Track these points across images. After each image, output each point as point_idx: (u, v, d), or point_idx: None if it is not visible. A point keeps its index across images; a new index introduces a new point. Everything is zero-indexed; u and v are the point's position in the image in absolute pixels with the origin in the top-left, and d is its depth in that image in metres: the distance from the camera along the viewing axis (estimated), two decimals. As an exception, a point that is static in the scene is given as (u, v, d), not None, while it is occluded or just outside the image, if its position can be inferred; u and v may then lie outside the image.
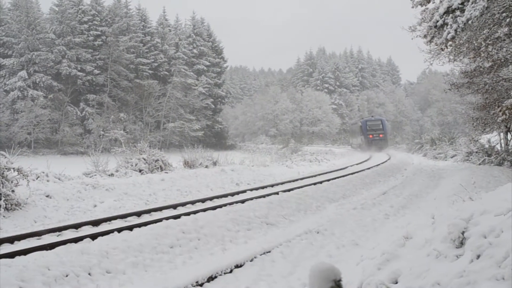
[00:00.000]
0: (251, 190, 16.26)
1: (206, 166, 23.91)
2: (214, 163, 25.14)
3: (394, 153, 44.56)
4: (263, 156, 38.84)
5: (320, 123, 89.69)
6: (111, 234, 8.99)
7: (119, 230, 9.34)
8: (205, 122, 62.81)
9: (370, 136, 54.29)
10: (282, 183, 18.44)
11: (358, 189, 17.81)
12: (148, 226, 9.50)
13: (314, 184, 17.26)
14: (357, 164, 29.26)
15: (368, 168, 24.75)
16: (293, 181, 19.36)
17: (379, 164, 27.81)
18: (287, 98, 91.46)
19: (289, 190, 15.34)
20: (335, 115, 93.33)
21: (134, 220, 10.87)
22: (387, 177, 22.49)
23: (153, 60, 59.94)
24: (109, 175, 19.31)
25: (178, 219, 10.13)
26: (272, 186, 17.62)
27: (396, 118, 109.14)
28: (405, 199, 15.11)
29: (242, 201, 13.07)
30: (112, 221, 10.71)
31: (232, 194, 15.19)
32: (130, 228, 9.55)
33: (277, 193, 14.72)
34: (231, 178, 20.75)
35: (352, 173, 21.85)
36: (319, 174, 22.43)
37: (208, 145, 48.64)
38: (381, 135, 54.71)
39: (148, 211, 11.87)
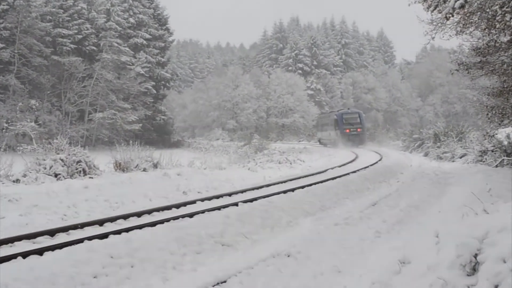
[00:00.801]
0: (203, 200, 16.12)
1: (144, 169, 23.75)
2: (155, 166, 24.99)
3: (387, 152, 45.08)
4: (218, 156, 38.74)
5: (292, 113, 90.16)
6: (13, 260, 8.71)
7: (25, 255, 9.06)
8: (143, 111, 62.14)
9: (347, 130, 58.92)
10: (243, 191, 18.34)
11: (341, 198, 17.85)
12: (65, 249, 9.27)
13: (285, 192, 17.23)
14: (339, 166, 29.41)
15: (354, 172, 24.89)
16: (258, 188, 19.29)
17: (367, 167, 28.01)
18: (251, 81, 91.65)
19: (251, 201, 15.28)
20: (311, 103, 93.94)
21: (45, 241, 10.57)
22: (379, 183, 22.66)
23: (76, 31, 58.87)
24: (13, 181, 18.94)
25: (105, 239, 9.96)
26: (229, 195, 17.52)
27: (390, 107, 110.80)
28: (402, 212, 15.19)
29: (191, 215, 12.93)
30: (15, 243, 10.37)
31: (178, 206, 15.01)
32: (40, 252, 9.28)
33: (236, 204, 14.62)
34: (177, 185, 20.56)
35: (333, 178, 21.90)
36: (291, 180, 22.41)
37: (147, 142, 47.98)
38: (359, 130, 59.34)
39: (65, 229, 11.58)
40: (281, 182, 21.34)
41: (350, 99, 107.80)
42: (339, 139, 58.03)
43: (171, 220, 12.26)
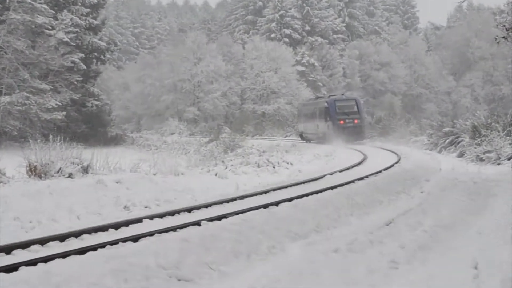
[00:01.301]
0: (152, 218, 16.13)
1: (70, 175, 23.57)
2: (85, 170, 24.83)
3: (406, 151, 45.30)
4: (174, 157, 38.65)
5: (276, 97, 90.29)
6: None
7: None
8: (68, 94, 61.78)
9: (341, 122, 61.09)
10: (207, 206, 18.40)
11: (342, 215, 17.88)
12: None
13: (265, 206, 17.23)
14: (340, 171, 29.49)
15: (361, 179, 24.96)
16: (228, 201, 19.35)
17: (380, 171, 28.11)
18: (218, 53, 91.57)
19: (220, 218, 15.29)
20: (302, 84, 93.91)
21: None
22: (395, 194, 22.72)
23: (-29, -19, 58.68)
24: None
25: (14, 273, 9.86)
26: (189, 210, 17.57)
27: (411, 89, 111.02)
28: (427, 234, 15.24)
29: (135, 239, 12.88)
30: None
31: (117, 226, 14.98)
32: None
33: (198, 223, 14.61)
34: (116, 197, 20.46)
35: (332, 188, 21.94)
36: (275, 189, 22.49)
37: (74, 137, 47.71)
38: (356, 121, 62.38)
39: (-43, 259, 11.50)
40: (261, 193, 21.41)
41: (356, 78, 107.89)
42: (331, 133, 58.90)
43: (108, 246, 12.14)
